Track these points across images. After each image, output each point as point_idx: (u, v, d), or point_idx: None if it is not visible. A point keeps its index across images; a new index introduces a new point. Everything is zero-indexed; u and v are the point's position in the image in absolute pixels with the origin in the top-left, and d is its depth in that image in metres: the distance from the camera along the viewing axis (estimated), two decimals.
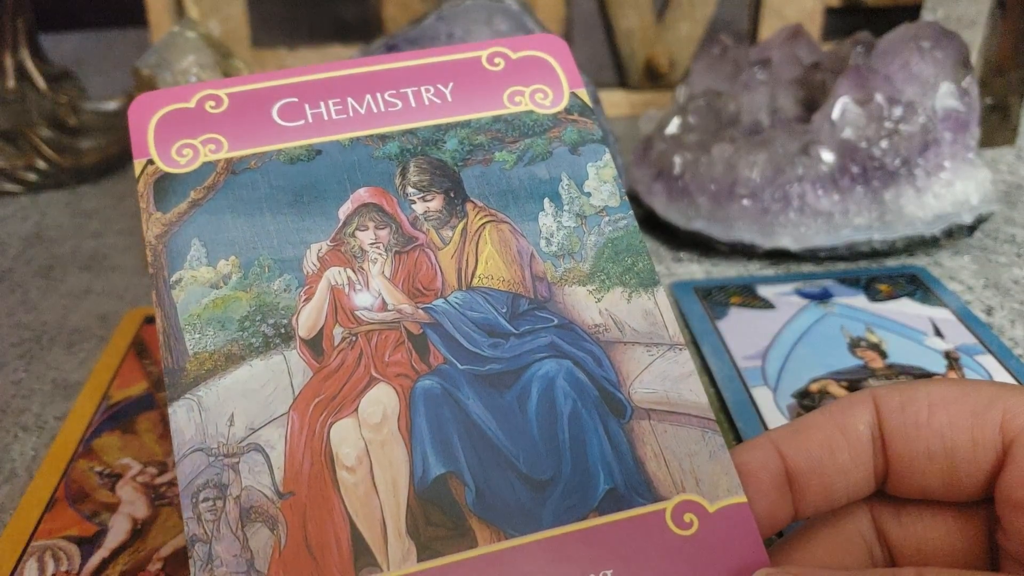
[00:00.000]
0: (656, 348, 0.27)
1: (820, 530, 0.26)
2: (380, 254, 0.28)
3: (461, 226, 0.29)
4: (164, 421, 0.41)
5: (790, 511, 0.25)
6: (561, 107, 0.31)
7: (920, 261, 0.54)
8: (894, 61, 0.53)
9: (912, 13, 0.70)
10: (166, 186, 0.28)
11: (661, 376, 0.27)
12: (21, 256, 0.58)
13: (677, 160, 0.55)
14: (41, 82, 0.68)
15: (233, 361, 0.26)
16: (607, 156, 0.30)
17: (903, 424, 0.24)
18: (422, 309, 0.27)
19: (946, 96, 0.53)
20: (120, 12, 0.96)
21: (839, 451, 0.25)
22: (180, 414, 0.25)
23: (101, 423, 0.41)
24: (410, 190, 0.29)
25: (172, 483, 0.38)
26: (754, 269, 0.54)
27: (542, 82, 0.31)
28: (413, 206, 0.29)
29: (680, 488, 0.25)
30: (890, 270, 0.52)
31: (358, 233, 0.28)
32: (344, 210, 0.28)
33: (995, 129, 0.68)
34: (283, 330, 0.26)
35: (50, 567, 0.34)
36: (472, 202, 0.29)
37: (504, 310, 0.27)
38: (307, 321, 0.27)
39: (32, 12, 0.69)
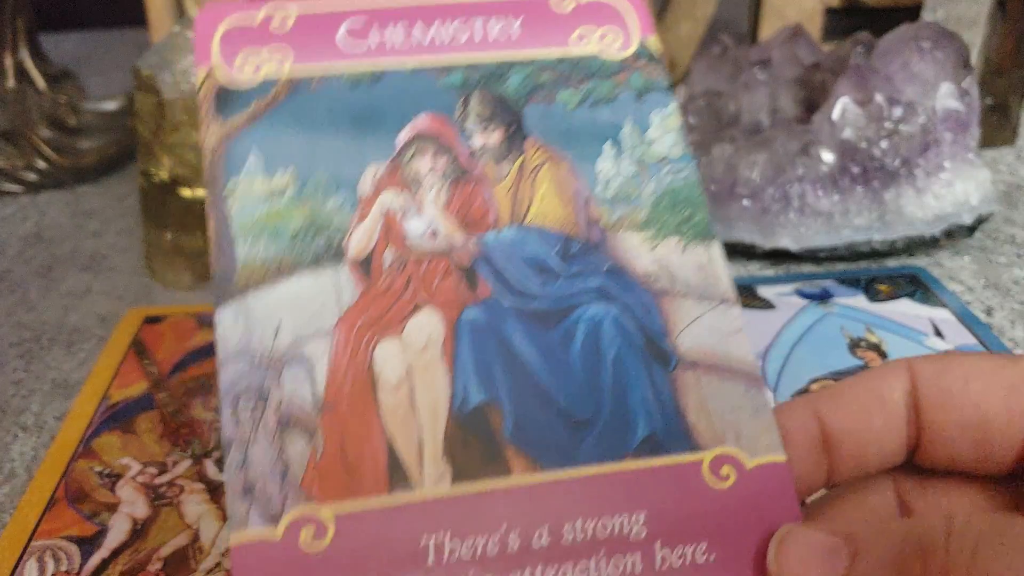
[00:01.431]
0: (707, 302, 0.27)
1: (843, 501, 0.26)
2: (436, 181, 0.28)
3: (519, 162, 0.28)
4: (164, 421, 0.41)
5: (824, 475, 0.25)
6: (629, 52, 0.30)
7: (920, 261, 0.54)
8: (894, 61, 0.53)
9: (912, 13, 0.70)
10: (227, 96, 0.28)
11: (709, 329, 0.26)
12: (21, 256, 0.58)
13: None
14: (41, 82, 0.68)
15: (283, 273, 0.26)
16: (673, 105, 0.29)
17: (938, 392, 0.24)
18: (473, 241, 0.27)
19: (946, 96, 0.53)
20: (120, 12, 0.96)
21: (875, 417, 0.24)
22: (226, 319, 0.25)
23: (101, 423, 0.41)
24: (470, 122, 0.29)
25: (172, 483, 0.38)
26: (754, 269, 0.54)
27: (612, 25, 0.30)
28: (472, 139, 0.28)
29: (720, 440, 0.24)
30: (890, 270, 0.52)
31: (415, 159, 0.28)
32: (402, 137, 0.28)
33: (995, 129, 0.68)
34: (334, 248, 0.26)
35: (50, 567, 0.34)
36: (532, 139, 0.29)
37: (556, 250, 0.27)
38: (359, 242, 0.27)
39: (32, 12, 0.69)
